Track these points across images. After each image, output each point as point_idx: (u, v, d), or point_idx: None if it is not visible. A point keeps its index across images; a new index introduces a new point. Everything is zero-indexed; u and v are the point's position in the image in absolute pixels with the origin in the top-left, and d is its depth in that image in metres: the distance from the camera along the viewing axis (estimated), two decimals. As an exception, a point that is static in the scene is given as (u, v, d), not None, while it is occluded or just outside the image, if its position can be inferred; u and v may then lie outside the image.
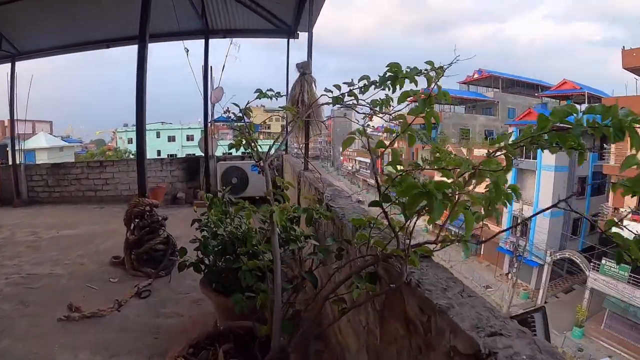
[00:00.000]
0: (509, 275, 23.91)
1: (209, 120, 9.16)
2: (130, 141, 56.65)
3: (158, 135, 56.22)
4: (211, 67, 8.68)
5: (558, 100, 27.96)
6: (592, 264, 21.53)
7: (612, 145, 22.55)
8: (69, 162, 10.32)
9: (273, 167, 9.37)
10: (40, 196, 9.69)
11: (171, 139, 56.31)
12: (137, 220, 4.49)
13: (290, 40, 8.73)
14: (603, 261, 20.97)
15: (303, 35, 8.54)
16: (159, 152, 54.19)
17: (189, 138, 56.08)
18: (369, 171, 57.89)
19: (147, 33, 4.52)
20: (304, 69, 4.48)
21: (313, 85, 4.51)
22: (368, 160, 58.45)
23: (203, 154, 9.02)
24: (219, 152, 9.68)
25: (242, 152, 9.14)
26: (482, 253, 30.26)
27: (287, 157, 8.70)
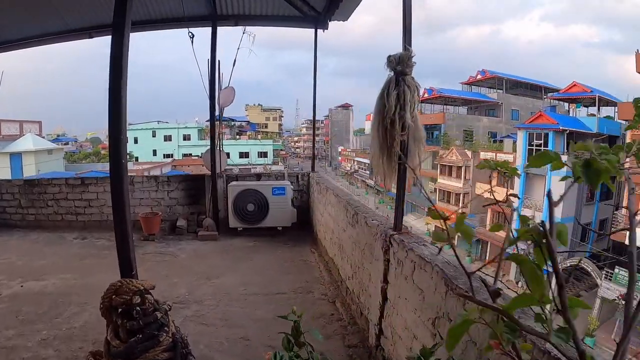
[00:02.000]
0: (519, 284, 22.37)
1: (217, 128, 7.30)
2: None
3: (154, 135, 54.33)
4: (219, 61, 6.82)
5: (567, 103, 26.43)
6: (603, 272, 20.11)
7: (628, 151, 20.96)
8: (44, 179, 8.34)
9: (297, 189, 7.54)
10: (13, 219, 7.76)
11: (167, 138, 54.45)
12: (121, 313, 2.64)
13: (318, 31, 6.91)
14: (616, 270, 19.61)
15: (334, 26, 6.74)
16: (154, 152, 52.26)
17: (186, 137, 54.30)
18: (368, 172, 56.02)
19: (126, 20, 2.60)
20: (403, 65, 2.60)
21: (417, 94, 2.64)
22: (367, 161, 56.67)
23: (209, 171, 7.14)
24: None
25: (259, 170, 7.29)
26: (487, 258, 28.71)
27: (315, 176, 6.89)
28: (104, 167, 28.04)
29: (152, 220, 6.79)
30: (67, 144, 69.88)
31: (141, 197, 7.51)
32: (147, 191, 7.49)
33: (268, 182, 6.95)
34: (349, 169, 65.80)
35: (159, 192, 7.46)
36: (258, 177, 7.43)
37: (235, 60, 7.02)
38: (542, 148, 23.64)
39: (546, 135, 23.29)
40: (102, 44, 6.52)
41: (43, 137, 34.84)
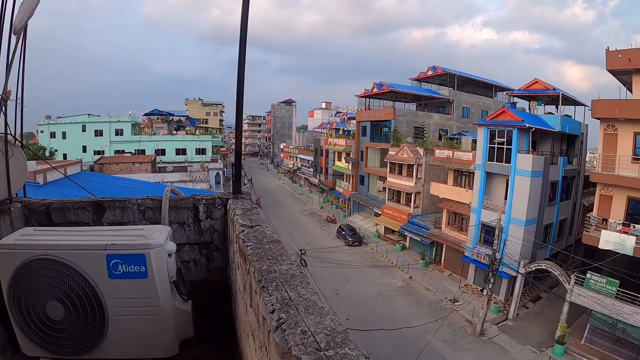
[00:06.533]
0: (484, 292, 19.04)
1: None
2: (53, 135, 45.68)
3: (84, 129, 46.61)
4: None
5: (528, 101, 23.57)
6: (573, 276, 17.40)
7: (600, 151, 18.27)
8: None
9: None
10: None
11: (98, 133, 47.33)
12: None
13: None
14: (588, 275, 17.01)
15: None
16: (84, 148, 45.17)
17: (118, 132, 47.11)
18: (311, 170, 51.18)
19: None
20: None
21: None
22: (310, 158, 52.01)
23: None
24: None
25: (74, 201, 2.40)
26: (442, 261, 25.40)
27: (236, 206, 2.01)
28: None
29: None
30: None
31: None
32: None
33: (108, 232, 1.92)
34: (291, 166, 60.69)
35: None
36: (98, 210, 2.40)
37: None
38: (504, 146, 20.47)
39: (510, 132, 20.13)
40: None
41: None
